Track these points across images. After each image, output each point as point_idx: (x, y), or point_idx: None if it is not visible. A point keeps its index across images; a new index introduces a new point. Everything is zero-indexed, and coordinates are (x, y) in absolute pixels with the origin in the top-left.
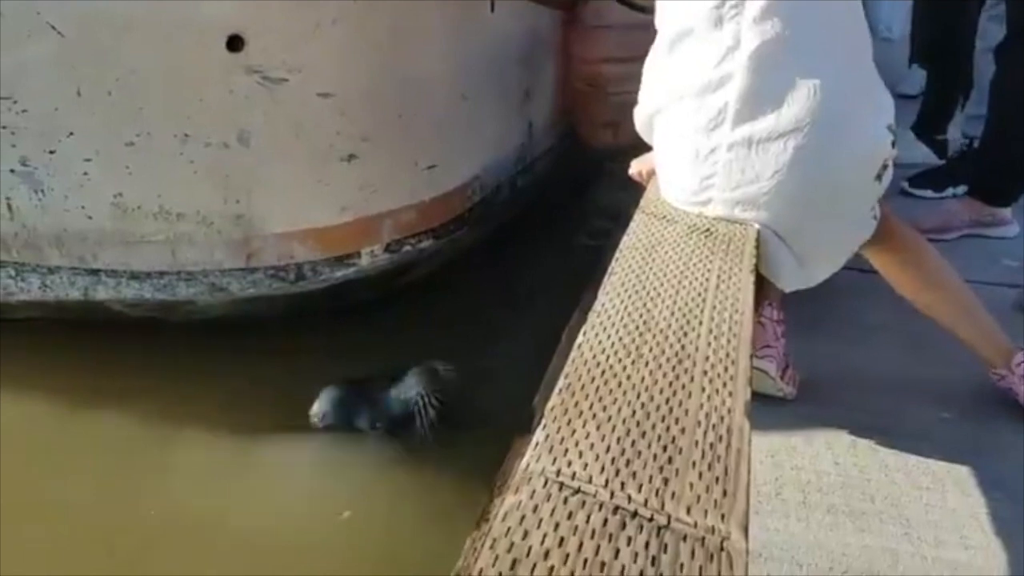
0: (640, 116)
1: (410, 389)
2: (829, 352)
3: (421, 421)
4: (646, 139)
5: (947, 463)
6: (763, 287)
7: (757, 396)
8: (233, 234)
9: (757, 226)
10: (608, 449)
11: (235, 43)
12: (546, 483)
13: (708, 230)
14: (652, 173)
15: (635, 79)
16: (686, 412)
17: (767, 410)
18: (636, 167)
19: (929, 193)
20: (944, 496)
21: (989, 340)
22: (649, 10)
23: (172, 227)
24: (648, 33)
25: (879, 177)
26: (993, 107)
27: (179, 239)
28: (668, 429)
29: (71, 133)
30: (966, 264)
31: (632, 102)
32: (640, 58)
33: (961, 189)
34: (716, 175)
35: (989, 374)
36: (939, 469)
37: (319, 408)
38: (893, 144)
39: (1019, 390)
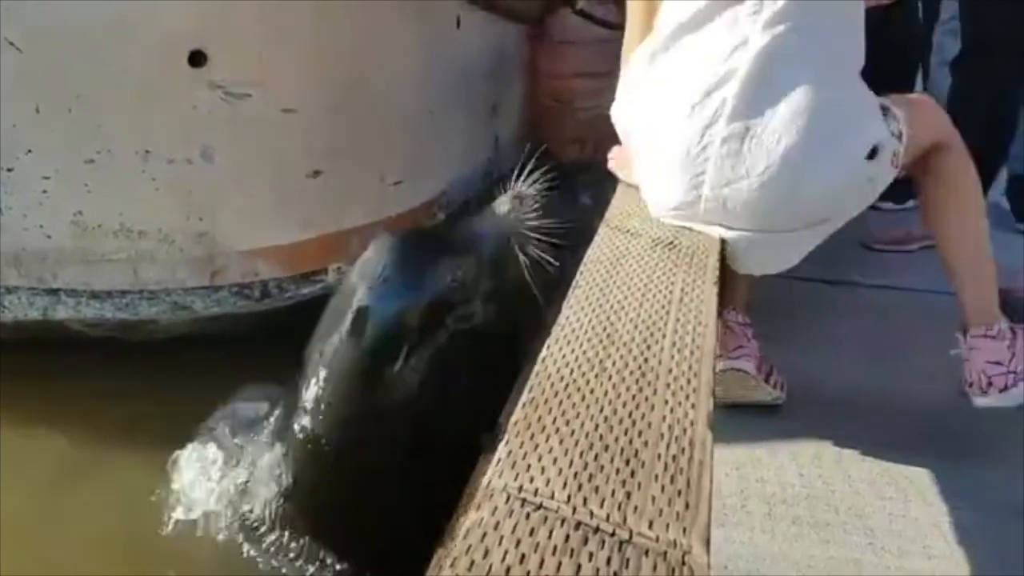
0: (620, 115)
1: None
2: (792, 363)
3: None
4: (624, 137)
5: (910, 473)
6: (724, 293)
7: (722, 408)
8: (196, 252)
9: (723, 235)
10: (571, 463)
11: (197, 59)
12: (508, 499)
13: (672, 243)
14: (629, 163)
15: (601, 94)
16: (649, 425)
17: (732, 422)
18: (614, 158)
19: (890, 205)
20: (907, 506)
21: (984, 295)
22: (614, 25)
23: (133, 245)
24: (614, 47)
25: (872, 156)
26: (952, 119)
27: (141, 257)
28: (631, 442)
29: (29, 150)
30: (928, 275)
31: (599, 116)
32: (606, 73)
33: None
34: (706, 172)
35: (960, 338)
36: (902, 479)
37: None
38: (898, 136)
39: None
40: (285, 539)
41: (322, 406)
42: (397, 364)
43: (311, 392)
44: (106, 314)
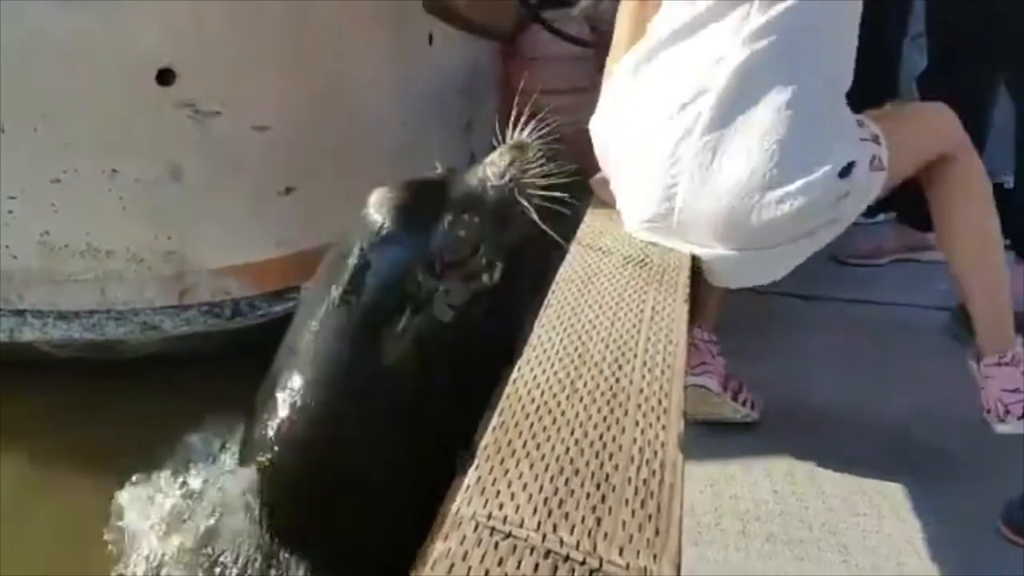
0: (600, 128)
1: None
2: (765, 378)
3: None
4: (603, 151)
5: (883, 488)
6: (692, 309)
7: (696, 424)
8: (165, 271)
9: (697, 251)
10: (541, 488)
11: (166, 77)
12: (477, 528)
13: (643, 260)
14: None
15: (572, 110)
16: (620, 447)
17: (706, 438)
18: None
19: (860, 218)
20: (880, 522)
21: (1001, 320)
22: (585, 43)
23: (101, 265)
24: (586, 64)
25: (844, 174)
26: None
27: (108, 277)
28: (602, 466)
29: None
30: (899, 288)
31: (575, 132)
32: (578, 90)
33: (891, 214)
34: (679, 184)
35: (976, 363)
36: (875, 494)
37: None
38: (874, 139)
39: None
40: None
41: (312, 375)
42: (399, 324)
43: (299, 362)
44: (73, 335)
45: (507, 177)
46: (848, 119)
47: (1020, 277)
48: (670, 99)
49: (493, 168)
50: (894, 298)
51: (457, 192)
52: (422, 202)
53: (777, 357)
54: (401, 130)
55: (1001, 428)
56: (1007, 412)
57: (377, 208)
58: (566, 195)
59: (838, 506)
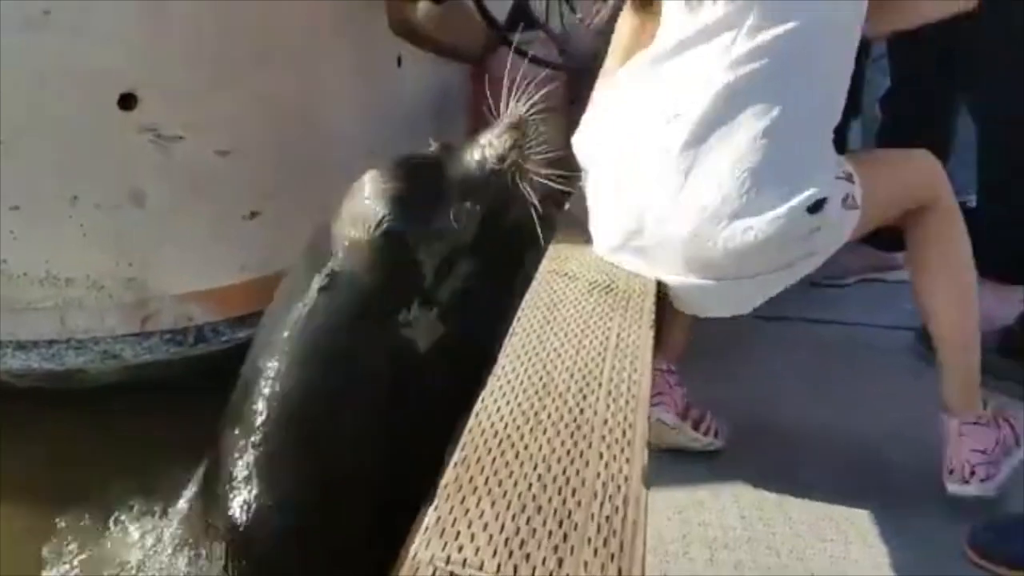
0: (583, 143)
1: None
2: (732, 400)
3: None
4: (586, 166)
5: (850, 514)
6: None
7: (665, 450)
8: (126, 298)
9: (657, 279)
10: (502, 528)
11: (127, 101)
12: (435, 572)
13: (608, 286)
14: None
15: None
16: (583, 482)
17: (674, 464)
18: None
19: None
20: (847, 548)
21: (973, 376)
22: (554, 65)
23: (60, 293)
24: (555, 87)
25: (813, 210)
26: None
27: (68, 305)
28: (564, 502)
29: None
30: (865, 308)
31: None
32: (548, 111)
33: None
34: (652, 205)
35: (945, 419)
36: (842, 520)
37: None
38: (847, 177)
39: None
40: None
41: (294, 379)
42: (391, 322)
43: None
44: (32, 364)
45: (508, 162)
46: (828, 154)
47: (984, 298)
48: (652, 118)
49: (492, 150)
50: (860, 318)
51: (454, 174)
52: (419, 190)
53: (743, 378)
54: (368, 153)
55: (961, 489)
56: (972, 474)
57: (374, 199)
58: (565, 181)
59: (805, 532)
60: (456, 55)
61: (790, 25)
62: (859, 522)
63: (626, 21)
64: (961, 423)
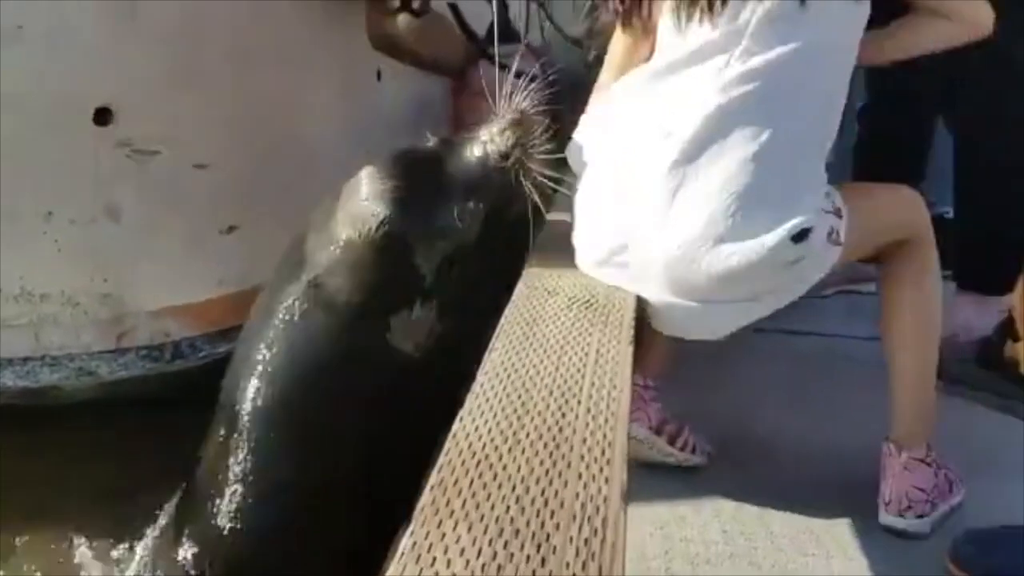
0: (577, 152)
1: None
2: (713, 413)
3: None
4: (576, 170)
5: (831, 527)
6: (637, 352)
7: (646, 464)
8: (101, 314)
9: (648, 296)
10: (479, 553)
11: (103, 116)
12: None
13: (588, 301)
14: None
15: None
16: (562, 504)
17: (655, 479)
18: None
19: None
20: (829, 562)
21: (927, 414)
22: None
23: (35, 309)
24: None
25: (798, 239)
26: (857, 169)
27: (43, 321)
28: (543, 525)
29: None
30: (841, 319)
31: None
32: (549, 109)
33: None
34: (639, 222)
35: (890, 450)
36: (823, 534)
37: None
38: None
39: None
40: None
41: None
42: (390, 322)
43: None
44: (6, 382)
45: (511, 159)
46: (819, 183)
47: (963, 309)
48: (648, 133)
49: (494, 147)
50: (838, 330)
51: (456, 171)
52: (419, 187)
53: (721, 391)
54: (348, 166)
55: (895, 522)
56: (908, 508)
57: (373, 198)
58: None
59: (787, 546)
60: (436, 68)
61: (783, 49)
62: (840, 535)
63: (619, 40)
64: (910, 457)
